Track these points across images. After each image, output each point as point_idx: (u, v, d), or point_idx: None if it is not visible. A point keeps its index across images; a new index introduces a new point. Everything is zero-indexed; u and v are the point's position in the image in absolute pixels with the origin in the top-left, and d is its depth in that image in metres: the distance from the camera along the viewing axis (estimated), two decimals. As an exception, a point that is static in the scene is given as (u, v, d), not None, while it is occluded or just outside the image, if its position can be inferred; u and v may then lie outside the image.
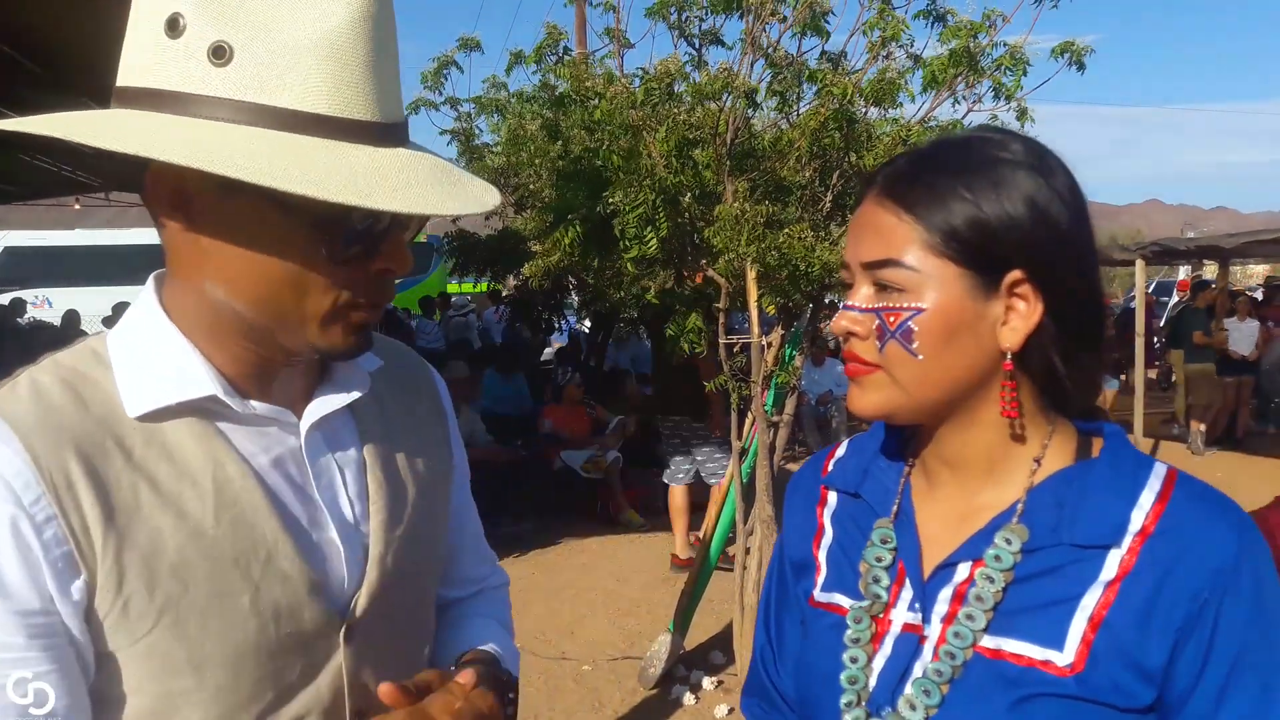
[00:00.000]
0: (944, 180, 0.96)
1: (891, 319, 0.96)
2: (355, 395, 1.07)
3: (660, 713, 4.60)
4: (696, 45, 4.53)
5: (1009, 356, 0.96)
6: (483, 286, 11.44)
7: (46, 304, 17.68)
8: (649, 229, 4.08)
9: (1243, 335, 11.72)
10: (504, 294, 10.96)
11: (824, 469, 1.20)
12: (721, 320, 4.49)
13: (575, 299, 10.44)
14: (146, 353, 0.98)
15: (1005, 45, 4.18)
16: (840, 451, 1.20)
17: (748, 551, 4.53)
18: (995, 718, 0.93)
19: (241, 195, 0.88)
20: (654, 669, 4.84)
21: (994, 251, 0.95)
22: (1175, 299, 18.72)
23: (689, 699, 4.67)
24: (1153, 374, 15.78)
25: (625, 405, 9.11)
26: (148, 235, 19.40)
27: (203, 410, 0.97)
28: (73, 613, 0.89)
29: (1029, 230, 0.94)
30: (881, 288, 0.98)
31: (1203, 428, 11.05)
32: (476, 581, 1.37)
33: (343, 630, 1.03)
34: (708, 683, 4.82)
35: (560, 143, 5.82)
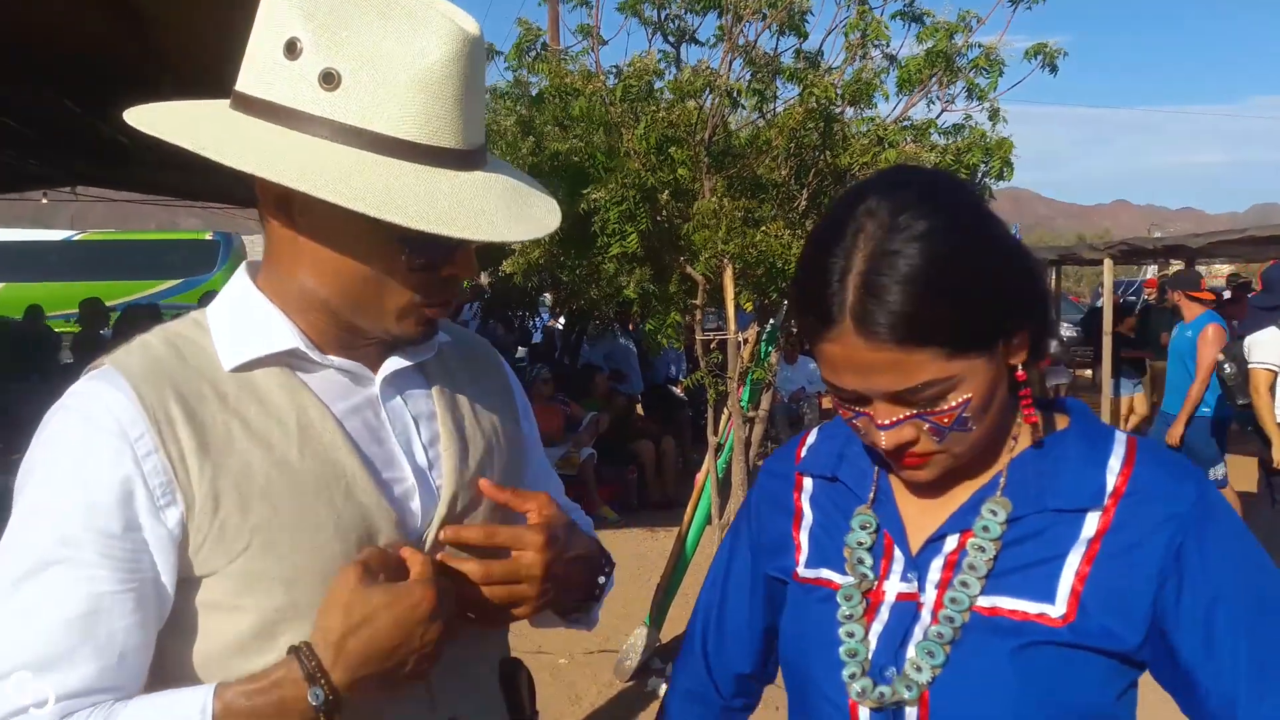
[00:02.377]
0: (919, 299, 0.93)
1: (945, 419, 0.99)
2: (425, 357, 1.20)
3: (636, 705, 4.62)
4: (673, 43, 4.57)
5: (1020, 368, 1.03)
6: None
7: None
8: (629, 225, 4.11)
9: (1206, 333, 11.88)
10: (483, 292, 10.90)
11: (797, 456, 1.24)
12: (698, 316, 4.54)
13: (549, 296, 10.43)
14: (239, 318, 1.11)
15: (980, 46, 4.24)
16: (811, 439, 1.25)
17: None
18: (998, 666, 0.99)
19: (337, 207, 0.99)
20: (630, 661, 4.87)
21: (996, 331, 0.99)
22: (1141, 299, 19.00)
23: (664, 690, 4.70)
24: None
25: (598, 402, 9.14)
26: None
27: (287, 363, 1.10)
28: (164, 539, 1.00)
29: (1012, 298, 0.99)
30: (915, 399, 0.98)
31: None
32: None
33: None
34: (683, 676, 4.85)
35: (532, 138, 5.84)
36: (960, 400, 0.98)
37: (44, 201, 14.17)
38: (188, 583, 1.03)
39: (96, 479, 0.99)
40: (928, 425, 1.00)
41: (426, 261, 1.07)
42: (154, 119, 1.03)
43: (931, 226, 0.95)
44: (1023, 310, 1.01)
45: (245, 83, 1.04)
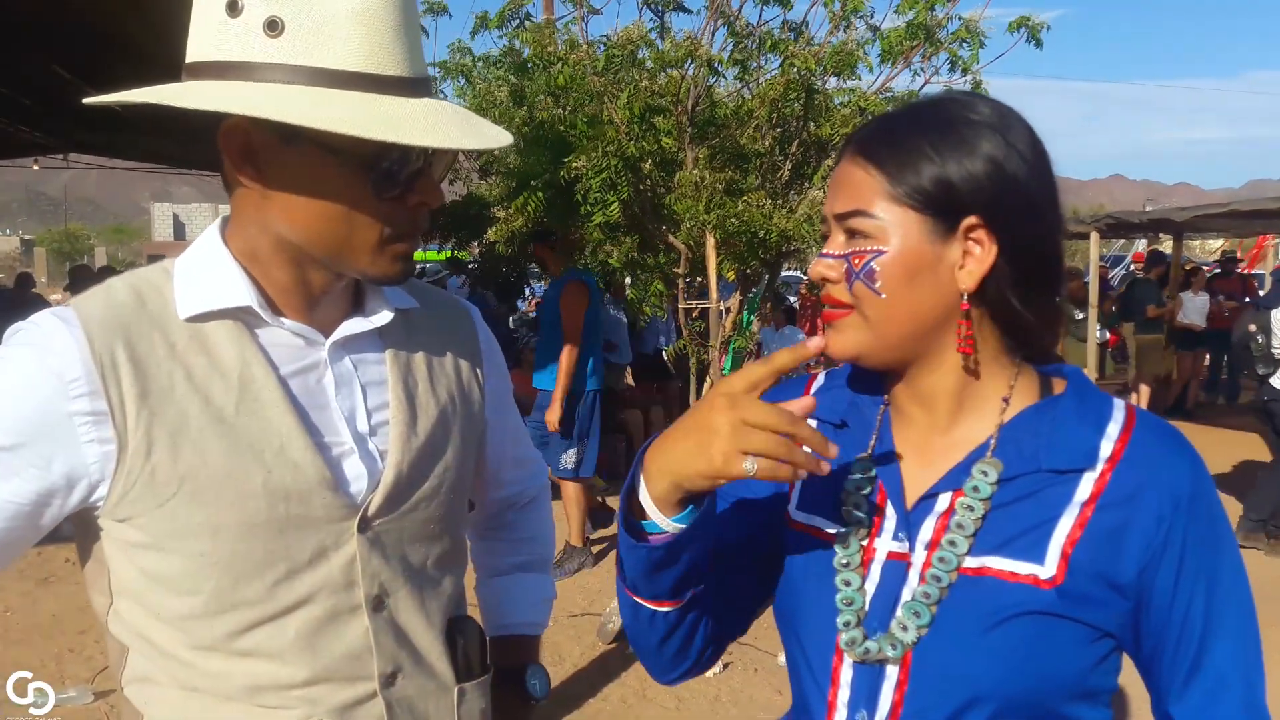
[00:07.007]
0: (910, 138, 1.04)
1: (856, 261, 1.04)
2: (380, 323, 1.22)
3: (618, 667, 4.70)
4: (659, 12, 4.59)
5: (965, 297, 1.04)
6: (445, 254, 11.38)
7: None
8: (611, 194, 4.15)
9: (1194, 307, 11.97)
10: (469, 262, 10.87)
11: (805, 393, 1.22)
12: (681, 286, 4.58)
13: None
14: (202, 271, 1.15)
15: (960, 19, 4.27)
16: (820, 381, 1.25)
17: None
18: (983, 627, 1.00)
19: (296, 144, 1.05)
20: (612, 625, 4.95)
21: (951, 201, 1.02)
22: (1125, 271, 19.03)
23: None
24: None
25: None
26: None
27: (242, 320, 1.13)
28: (80, 473, 1.07)
29: (984, 182, 1.02)
30: (851, 235, 1.05)
31: (1145, 389, 11.36)
32: (516, 483, 1.55)
33: (356, 522, 1.16)
34: (665, 639, 4.93)
35: (525, 108, 5.87)
36: (876, 248, 1.03)
37: (35, 168, 14.16)
38: (123, 522, 1.10)
39: (27, 401, 1.05)
40: (846, 266, 1.05)
41: (391, 190, 1.09)
42: (111, 94, 1.07)
43: (975, 118, 1.04)
44: (986, 203, 1.02)
45: (195, 53, 1.08)
